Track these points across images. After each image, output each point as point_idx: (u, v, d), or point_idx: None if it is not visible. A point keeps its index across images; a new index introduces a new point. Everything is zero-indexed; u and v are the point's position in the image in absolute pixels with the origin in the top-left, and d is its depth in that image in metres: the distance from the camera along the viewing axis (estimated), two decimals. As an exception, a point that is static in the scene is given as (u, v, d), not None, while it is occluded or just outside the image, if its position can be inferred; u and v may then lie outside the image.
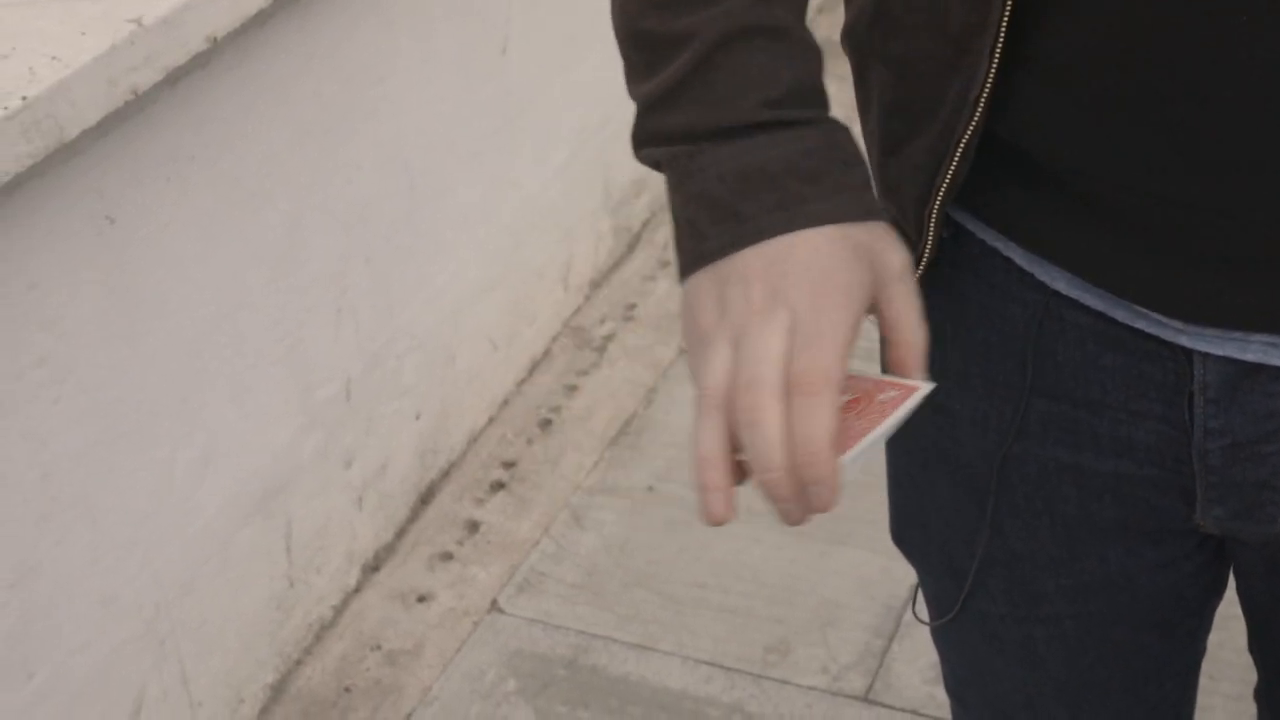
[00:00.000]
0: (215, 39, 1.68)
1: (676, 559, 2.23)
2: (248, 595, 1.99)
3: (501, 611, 2.18)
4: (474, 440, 2.45)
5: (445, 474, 2.39)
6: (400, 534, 2.30)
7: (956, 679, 1.15)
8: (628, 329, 2.66)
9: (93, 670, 1.74)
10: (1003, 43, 0.81)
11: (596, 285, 2.74)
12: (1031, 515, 0.99)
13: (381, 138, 2.10)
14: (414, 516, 2.32)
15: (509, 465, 2.41)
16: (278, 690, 2.07)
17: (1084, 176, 0.85)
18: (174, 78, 1.67)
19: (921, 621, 1.12)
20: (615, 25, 0.88)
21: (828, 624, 2.12)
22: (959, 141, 0.85)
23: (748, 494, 0.79)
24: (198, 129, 1.76)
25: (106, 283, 1.67)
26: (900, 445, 1.06)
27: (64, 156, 1.56)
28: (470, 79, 2.28)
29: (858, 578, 2.18)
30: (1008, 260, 0.93)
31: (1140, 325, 0.89)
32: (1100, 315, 0.90)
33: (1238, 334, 0.86)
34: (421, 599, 2.20)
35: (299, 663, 2.11)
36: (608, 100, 2.57)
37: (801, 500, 0.77)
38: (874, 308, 0.82)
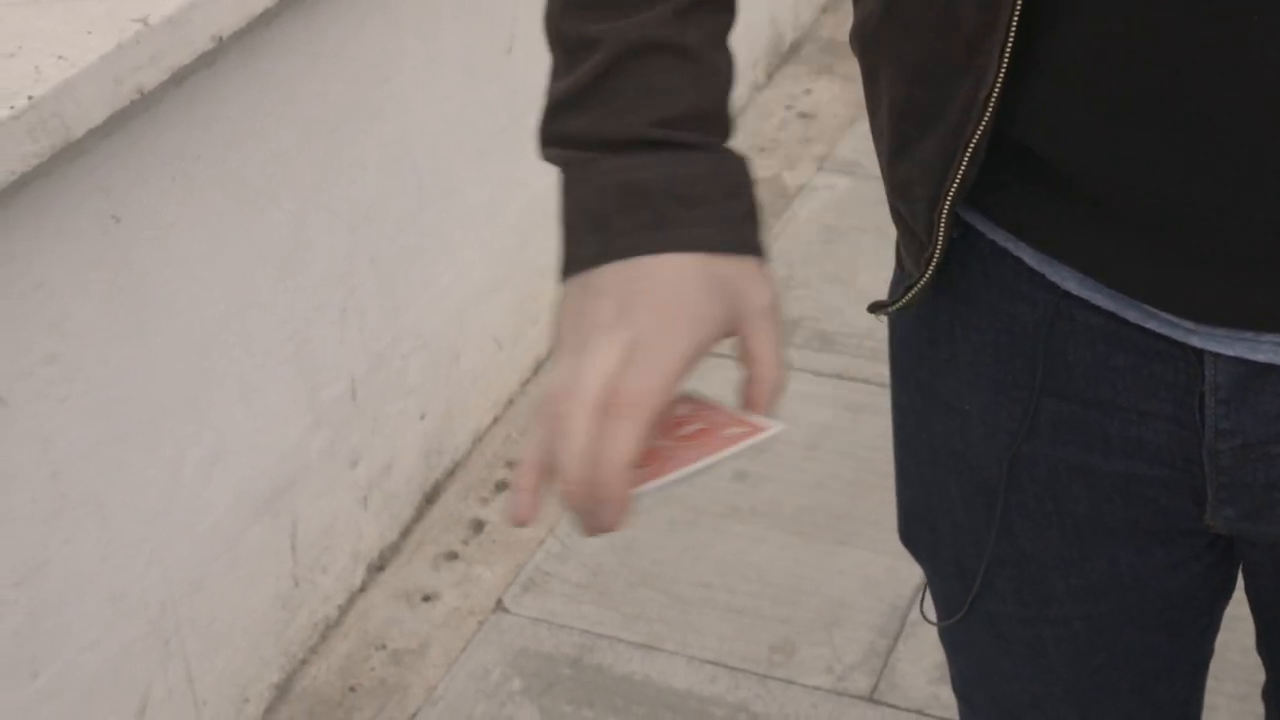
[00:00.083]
0: (221, 38, 1.68)
1: (681, 559, 2.23)
2: (254, 594, 1.99)
3: (506, 611, 2.18)
4: (479, 440, 2.45)
5: (450, 473, 2.39)
6: (405, 533, 2.30)
7: (964, 679, 1.15)
8: (632, 328, 2.66)
9: (100, 668, 1.74)
10: (1012, 43, 0.81)
11: (601, 285, 2.74)
12: (1041, 515, 0.99)
13: (387, 137, 2.10)
14: (419, 516, 2.32)
15: (514, 465, 2.41)
16: (283, 689, 2.07)
17: (1094, 177, 0.84)
18: (180, 77, 1.67)
19: (929, 621, 1.12)
20: (543, 22, 0.88)
21: (833, 624, 2.12)
22: (969, 142, 0.85)
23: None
24: (204, 128, 1.76)
25: (113, 282, 1.67)
26: (909, 445, 1.06)
27: (70, 156, 1.56)
28: (476, 78, 2.28)
29: (863, 578, 2.18)
30: (1018, 260, 0.92)
31: (1151, 326, 0.89)
32: (1111, 315, 0.90)
33: (1248, 334, 0.86)
34: (426, 598, 2.20)
35: (304, 662, 2.11)
36: (613, 100, 2.57)
37: (592, 516, 0.79)
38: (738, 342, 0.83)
